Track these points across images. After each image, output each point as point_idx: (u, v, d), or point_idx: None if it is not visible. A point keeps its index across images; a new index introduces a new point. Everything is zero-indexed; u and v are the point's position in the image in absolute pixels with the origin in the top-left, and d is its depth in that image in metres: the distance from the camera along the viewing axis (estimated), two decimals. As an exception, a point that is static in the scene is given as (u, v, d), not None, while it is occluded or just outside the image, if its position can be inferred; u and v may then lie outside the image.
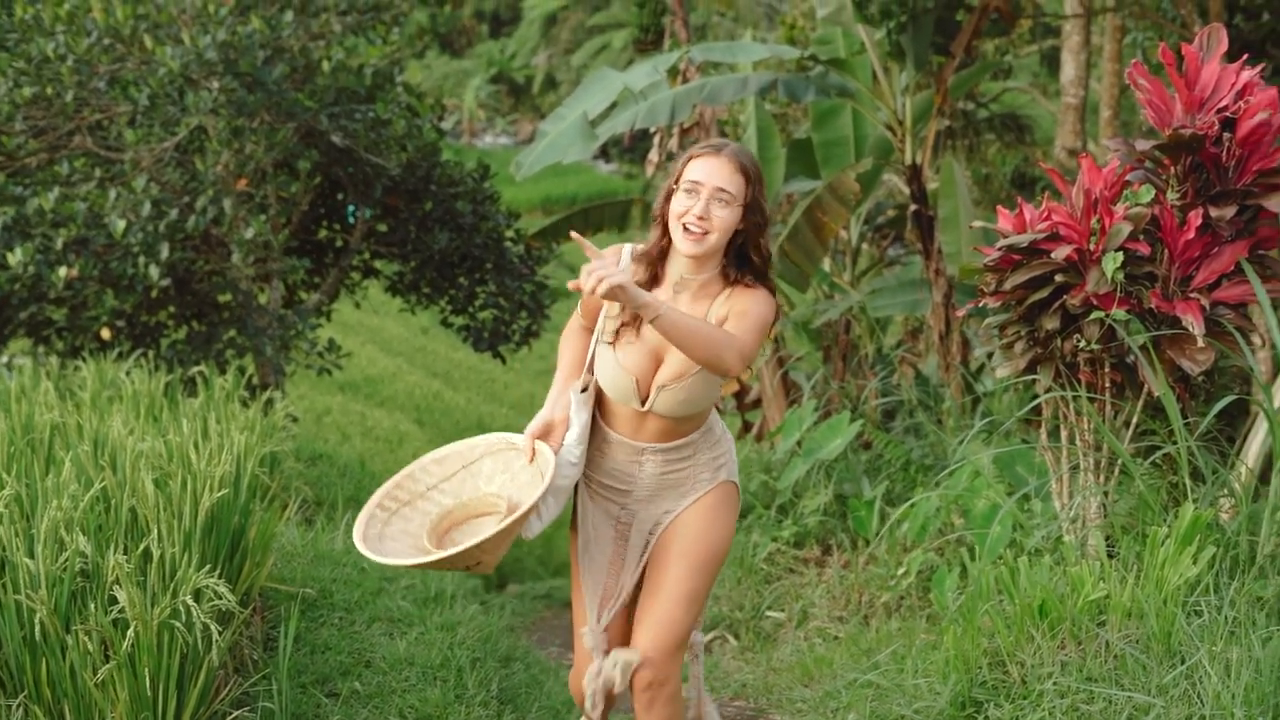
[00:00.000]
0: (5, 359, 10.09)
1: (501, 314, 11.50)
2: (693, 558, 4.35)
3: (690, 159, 4.19)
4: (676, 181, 4.18)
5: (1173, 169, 5.29)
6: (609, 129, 9.92)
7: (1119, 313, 5.06)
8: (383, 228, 11.28)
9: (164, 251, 9.01)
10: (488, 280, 11.44)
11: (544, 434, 4.33)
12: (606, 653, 4.35)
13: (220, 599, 4.52)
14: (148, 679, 4.33)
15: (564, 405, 4.35)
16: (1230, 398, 5.26)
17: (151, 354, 9.46)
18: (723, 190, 4.11)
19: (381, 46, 10.63)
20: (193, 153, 9.69)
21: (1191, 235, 5.10)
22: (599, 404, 4.40)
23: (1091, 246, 5.14)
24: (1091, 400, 5.28)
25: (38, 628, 4.28)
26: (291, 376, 11.04)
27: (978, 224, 5.99)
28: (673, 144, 11.48)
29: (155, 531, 4.63)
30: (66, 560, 4.41)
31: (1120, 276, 5.06)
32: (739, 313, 4.15)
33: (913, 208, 9.96)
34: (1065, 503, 5.52)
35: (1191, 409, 5.32)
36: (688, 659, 4.66)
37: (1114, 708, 4.32)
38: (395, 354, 25.28)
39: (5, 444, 5.49)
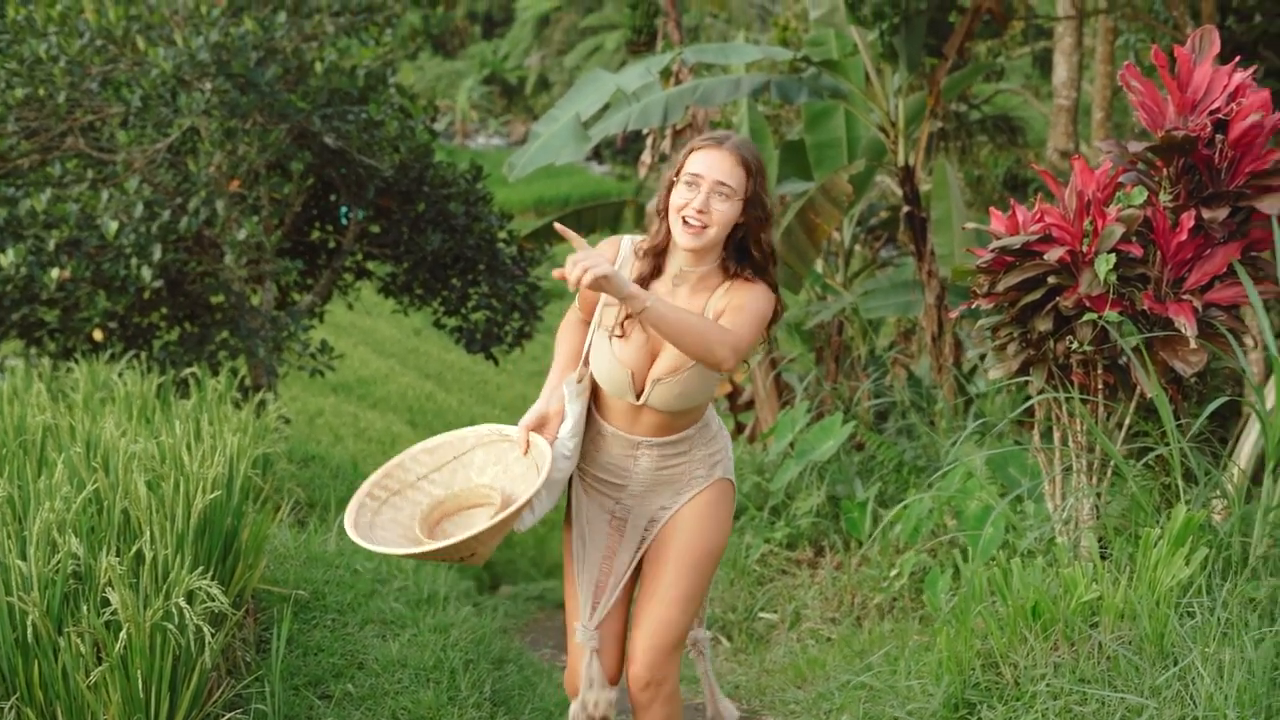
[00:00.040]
0: (-3, 360, 10.08)
1: (494, 315, 11.49)
2: (689, 560, 4.34)
3: (691, 151, 4.16)
4: (677, 173, 4.15)
5: (1165, 171, 5.29)
6: (602, 130, 9.92)
7: (1112, 314, 5.06)
8: (375, 229, 11.26)
9: (156, 253, 8.99)
10: (480, 281, 11.43)
11: (538, 426, 4.29)
12: (598, 651, 4.34)
13: (213, 601, 4.51)
14: (140, 681, 4.33)
15: (559, 398, 4.32)
16: (1222, 399, 5.26)
17: (144, 355, 9.44)
18: (723, 184, 4.08)
19: (374, 48, 10.61)
20: (185, 154, 9.68)
21: (1184, 237, 5.11)
22: (594, 397, 4.37)
23: (1084, 248, 5.15)
24: (1084, 402, 5.29)
25: (30, 630, 4.28)
26: (284, 378, 11.03)
27: (970, 226, 6.00)
28: (665, 145, 11.49)
29: (148, 533, 4.63)
30: (59, 562, 4.40)
31: (1113, 278, 5.07)
32: (735, 307, 4.12)
33: (905, 209, 9.98)
34: (1058, 504, 5.52)
35: (1184, 410, 5.33)
36: (692, 656, 4.66)
37: (1107, 709, 4.32)
38: (388, 355, 25.26)
39: (-3, 446, 5.49)
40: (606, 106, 10.13)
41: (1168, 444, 5.03)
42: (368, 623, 6.00)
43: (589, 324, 4.36)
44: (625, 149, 34.84)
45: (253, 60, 9.48)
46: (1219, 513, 5.24)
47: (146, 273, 8.90)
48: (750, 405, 12.17)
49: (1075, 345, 5.16)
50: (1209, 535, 4.82)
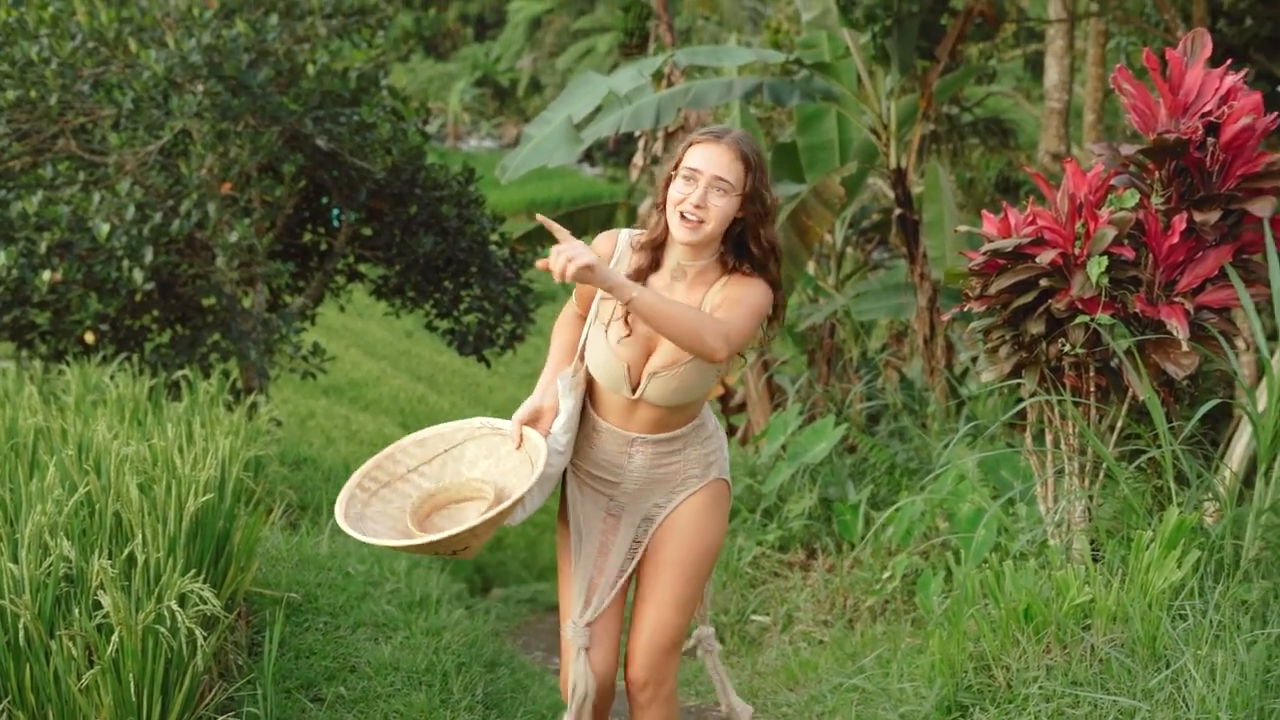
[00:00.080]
0: (-12, 363, 10.07)
1: (486, 318, 11.49)
2: (686, 562, 4.32)
3: (691, 145, 4.12)
4: (675, 167, 4.11)
5: (1157, 173, 5.30)
6: (594, 133, 9.92)
7: (1104, 317, 5.07)
8: (367, 231, 11.27)
9: (148, 255, 8.98)
10: (472, 284, 11.43)
11: (532, 420, 4.26)
12: (588, 649, 4.32)
13: (205, 604, 4.51)
14: (132, 684, 4.32)
15: (554, 392, 4.29)
16: (1214, 401, 5.27)
17: (135, 358, 9.43)
18: (721, 179, 4.04)
19: (366, 50, 10.61)
20: (177, 156, 9.67)
21: (1176, 239, 5.11)
22: (590, 392, 4.34)
23: (1076, 251, 5.15)
24: (1076, 404, 5.29)
25: (21, 633, 4.27)
26: (275, 380, 11.03)
27: (963, 228, 6.00)
28: (658, 148, 11.49)
29: (140, 536, 4.62)
30: (50, 565, 4.40)
31: (1105, 281, 5.07)
32: (731, 300, 4.09)
33: (897, 212, 9.98)
34: (1050, 506, 5.53)
35: (1176, 413, 5.34)
36: (700, 654, 4.65)
37: (1099, 712, 4.32)
38: (379, 358, 25.24)
39: (-11, 448, 5.49)
40: (599, 109, 10.13)
41: (1160, 446, 5.04)
42: (360, 625, 6.00)
43: (585, 319, 4.33)
44: (617, 151, 34.85)
45: (245, 62, 9.48)
46: (1211, 515, 5.24)
47: (138, 275, 8.90)
48: (742, 407, 12.19)
49: (1067, 348, 5.16)
50: (1201, 538, 4.83)
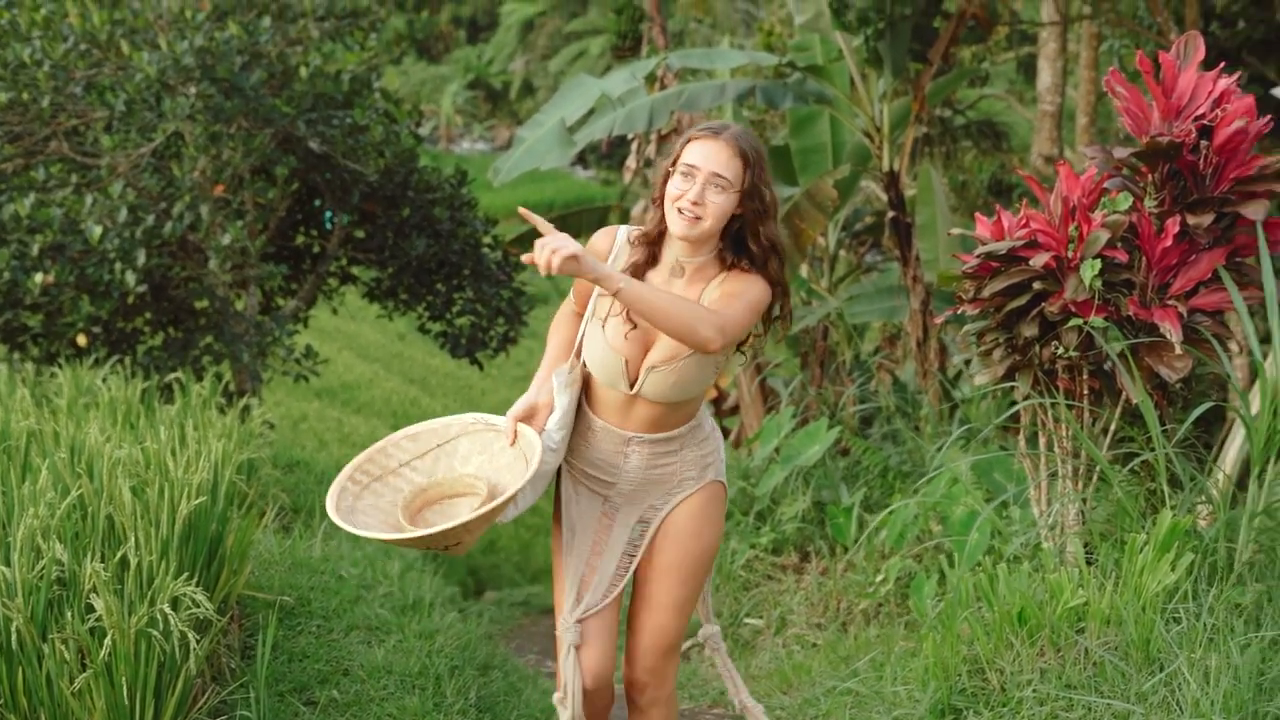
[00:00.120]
0: (-20, 365, 10.05)
1: (479, 320, 11.48)
2: (684, 567, 4.32)
3: (689, 141, 4.09)
4: (674, 163, 4.09)
5: (1150, 176, 5.30)
6: (587, 135, 9.92)
7: (1097, 320, 5.07)
8: (360, 234, 11.25)
9: (140, 258, 8.97)
10: (465, 286, 11.41)
11: (527, 416, 4.24)
12: (579, 647, 4.29)
13: (198, 607, 4.50)
14: (125, 688, 4.31)
15: (549, 389, 4.27)
16: (1208, 404, 5.27)
17: (128, 360, 9.42)
18: (719, 176, 4.01)
19: (359, 52, 10.60)
20: (169, 158, 9.66)
21: (1169, 243, 5.11)
22: (586, 391, 4.32)
23: (1070, 254, 5.15)
24: (1070, 407, 5.29)
25: (14, 636, 4.26)
26: (268, 383, 11.01)
27: (956, 231, 6.00)
28: (650, 150, 11.48)
29: (132, 539, 4.61)
30: (43, 568, 4.39)
31: (1098, 284, 5.07)
32: (729, 293, 4.07)
33: (890, 214, 9.99)
34: (1044, 510, 5.53)
35: (1169, 416, 5.34)
36: (708, 652, 4.64)
37: (1093, 715, 4.32)
38: (372, 360, 25.23)
39: (-19, 451, 5.48)
40: (591, 111, 10.13)
41: (1153, 449, 5.04)
42: (353, 629, 5.99)
43: (583, 316, 4.31)
44: (610, 154, 34.82)
45: (237, 65, 9.47)
46: (1204, 518, 5.25)
47: (130, 277, 8.88)
48: (735, 410, 12.18)
49: (1061, 351, 5.16)
50: (1194, 541, 4.83)
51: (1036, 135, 14.49)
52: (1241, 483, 5.61)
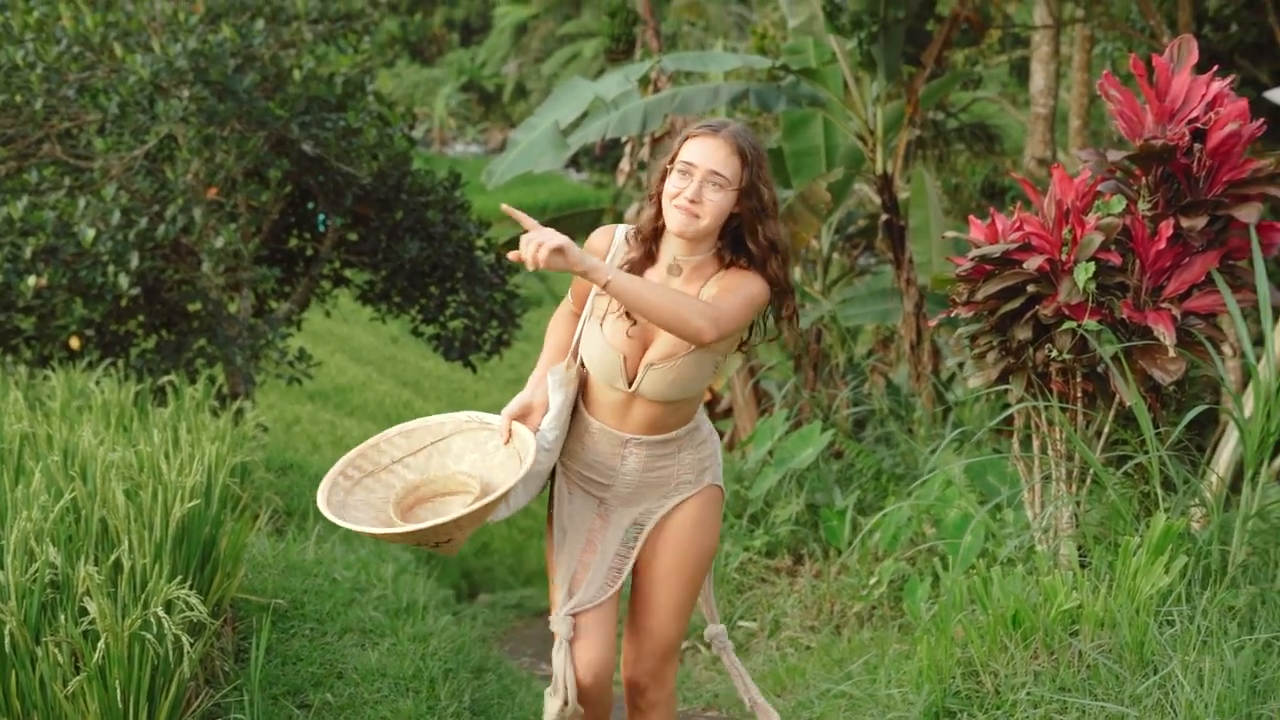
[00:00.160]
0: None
1: (472, 323, 11.47)
2: (683, 571, 4.31)
3: (687, 138, 4.07)
4: (672, 160, 4.07)
5: (1144, 179, 5.31)
6: (580, 138, 9.93)
7: (1091, 323, 5.07)
8: (353, 237, 11.24)
9: (133, 260, 8.96)
10: (458, 289, 11.41)
11: (522, 415, 4.22)
12: (572, 641, 4.25)
13: (191, 610, 4.50)
14: (118, 691, 4.31)
15: (544, 389, 4.25)
16: (1201, 407, 5.27)
17: (121, 363, 9.41)
18: (716, 174, 3.99)
19: (352, 55, 10.59)
20: (163, 161, 9.65)
21: (1163, 245, 5.12)
22: (583, 392, 4.29)
23: (1063, 257, 5.16)
24: (1063, 410, 5.29)
25: (7, 639, 4.25)
26: (261, 385, 11.00)
27: (950, 234, 6.00)
28: (644, 153, 11.49)
29: (126, 542, 4.61)
30: (36, 571, 4.38)
31: (1092, 287, 5.08)
32: (725, 288, 4.05)
33: (884, 217, 10.00)
34: (1037, 512, 5.53)
35: (1163, 419, 5.34)
36: (715, 651, 4.63)
37: (1087, 718, 4.33)
38: (365, 363, 25.20)
39: (-26, 454, 5.47)
40: (585, 114, 10.13)
41: (1146, 452, 5.04)
42: (347, 632, 5.99)
43: (580, 316, 4.28)
44: (603, 157, 34.83)
45: (231, 67, 9.46)
46: (1198, 521, 5.25)
47: (124, 280, 8.87)
48: (728, 413, 12.19)
49: (1054, 353, 5.17)
50: (1188, 543, 4.83)
51: (1029, 138, 14.50)
52: (1235, 485, 5.61)
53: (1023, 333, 5.24)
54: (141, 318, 10.18)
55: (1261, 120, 5.21)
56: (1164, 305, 5.13)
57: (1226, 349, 5.43)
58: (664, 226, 4.12)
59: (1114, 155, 5.34)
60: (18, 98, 9.44)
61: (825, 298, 12.42)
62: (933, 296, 10.01)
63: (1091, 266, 5.07)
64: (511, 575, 14.91)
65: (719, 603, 7.80)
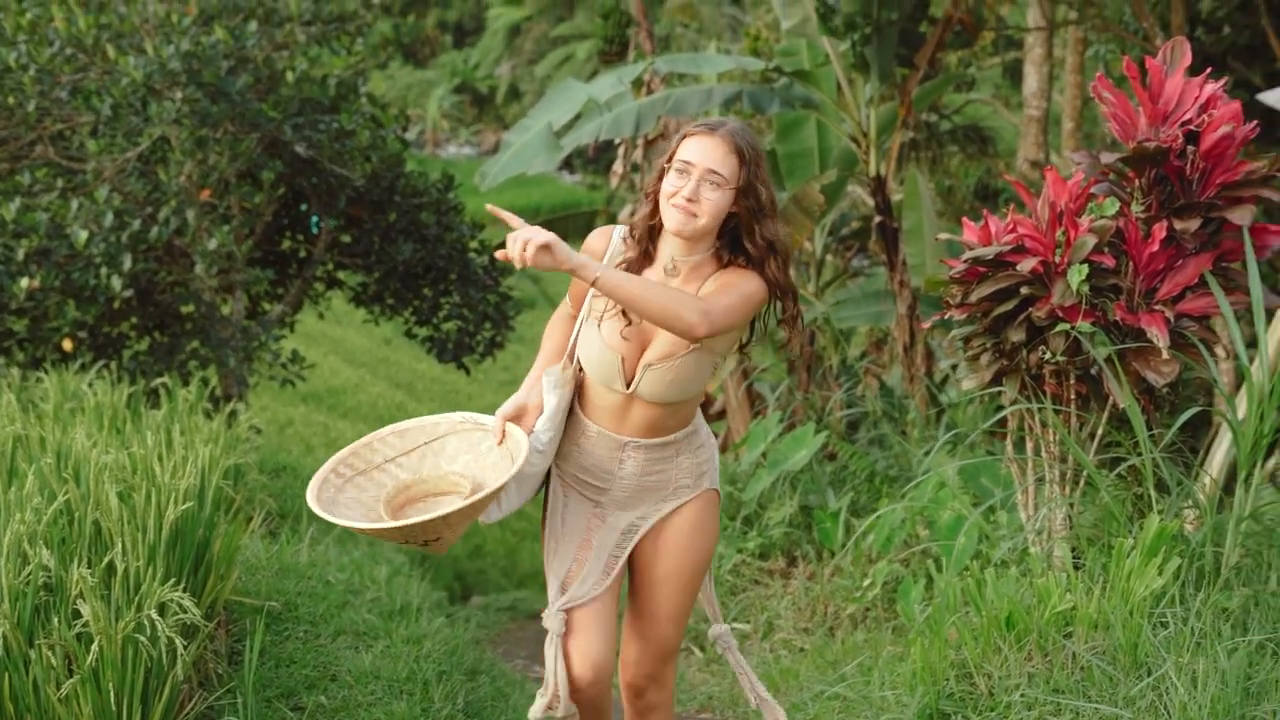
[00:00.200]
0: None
1: (465, 325, 11.48)
2: (682, 576, 4.30)
3: (685, 137, 4.05)
4: (669, 160, 4.04)
5: (1137, 182, 5.31)
6: (574, 140, 9.92)
7: (1084, 325, 5.07)
8: (346, 239, 11.25)
9: (126, 262, 8.95)
10: (452, 291, 11.41)
11: (516, 416, 4.20)
12: (570, 636, 4.21)
13: (185, 613, 4.49)
14: (112, 693, 4.30)
15: (539, 390, 4.23)
16: (1194, 409, 5.27)
17: (114, 365, 9.40)
18: (714, 172, 3.97)
19: (345, 57, 10.60)
20: (155, 163, 9.65)
21: (1156, 248, 5.12)
22: (579, 395, 4.27)
23: (1057, 259, 5.16)
24: (1057, 412, 5.30)
25: (0, 642, 4.25)
26: (254, 387, 11.00)
27: (943, 236, 6.00)
28: (637, 155, 11.49)
29: (119, 545, 4.60)
30: (29, 574, 4.38)
31: (1085, 289, 5.08)
32: (720, 285, 4.03)
33: (877, 219, 9.99)
34: (1031, 514, 5.53)
35: (1156, 421, 5.35)
36: (720, 651, 4.62)
37: (1081, 719, 4.33)
38: (358, 365, 25.20)
39: (-33, 457, 5.46)
40: (578, 116, 10.13)
41: (1140, 454, 5.05)
42: (340, 634, 5.98)
43: (578, 319, 4.26)
44: (597, 159, 34.83)
45: (224, 69, 9.46)
46: (1191, 523, 5.25)
47: (116, 282, 8.87)
48: (722, 415, 12.19)
49: (1048, 356, 5.17)
50: (1181, 545, 4.84)
51: (1022, 140, 14.50)
52: (1228, 487, 5.62)
53: (1016, 335, 5.24)
54: (134, 320, 10.18)
55: (1254, 122, 5.21)
56: (1157, 307, 5.14)
57: (1220, 351, 5.43)
58: (660, 225, 4.09)
59: (1107, 157, 5.34)
60: (10, 99, 9.44)
61: (819, 300, 12.43)
62: (926, 298, 10.01)
63: (1085, 269, 5.07)
64: (505, 577, 14.91)
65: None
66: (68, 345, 9.39)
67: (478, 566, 15.03)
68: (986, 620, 4.78)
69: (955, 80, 15.50)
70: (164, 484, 5.02)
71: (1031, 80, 14.09)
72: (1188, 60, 5.31)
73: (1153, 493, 4.98)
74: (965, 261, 5.35)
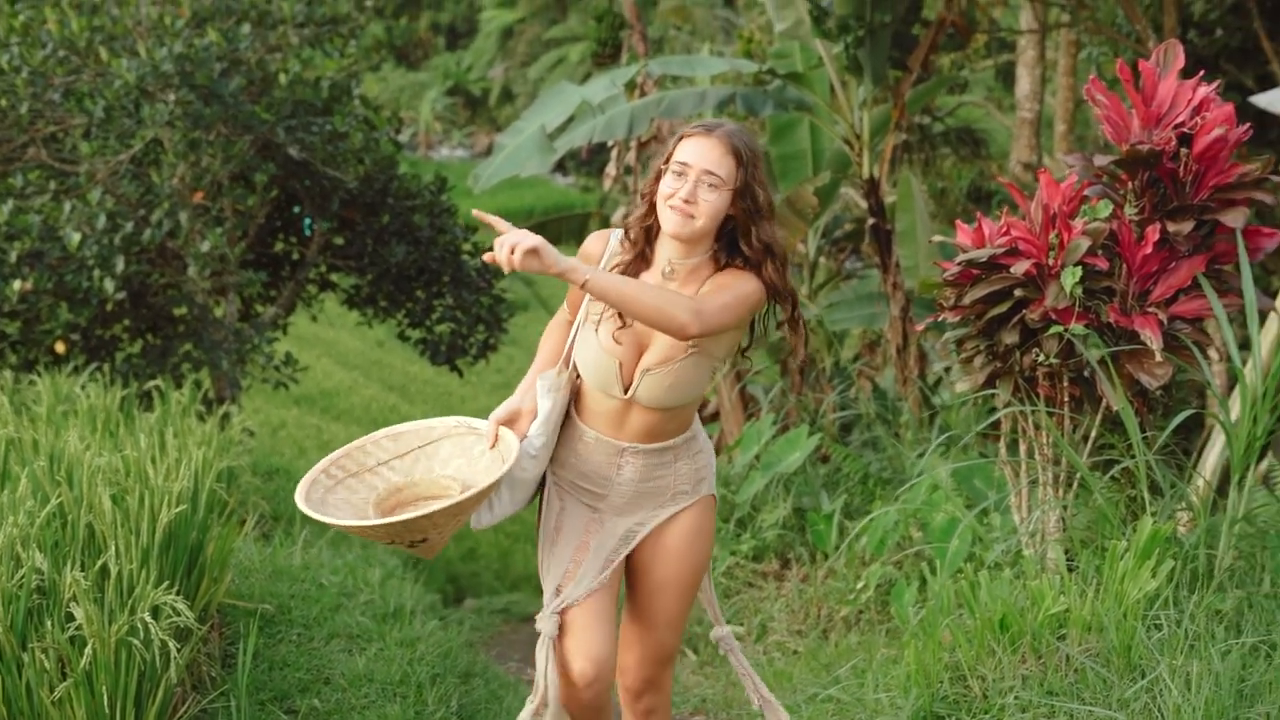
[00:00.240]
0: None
1: (459, 327, 11.47)
2: (680, 582, 4.29)
3: (681, 138, 4.02)
4: (666, 161, 4.01)
5: (1130, 184, 5.32)
6: (567, 142, 9.93)
7: (1077, 327, 5.08)
8: (339, 241, 11.24)
9: (119, 264, 8.94)
10: (445, 293, 11.40)
11: (510, 421, 4.17)
12: (564, 636, 4.16)
13: (178, 616, 4.49)
14: (105, 697, 4.30)
15: (534, 395, 4.19)
16: (1188, 411, 5.28)
17: (107, 368, 9.39)
18: (711, 173, 3.94)
19: (338, 59, 10.59)
20: (148, 165, 9.64)
21: (1149, 250, 5.13)
22: (576, 401, 4.24)
23: (1050, 261, 5.16)
24: (1050, 414, 5.30)
25: (-7, 646, 4.25)
26: (247, 390, 10.98)
27: (936, 238, 6.00)
28: (630, 157, 11.50)
29: (113, 548, 4.60)
30: (23, 577, 4.37)
31: (1079, 291, 5.08)
32: (715, 285, 4.00)
33: (870, 221, 10.01)
34: (1024, 516, 5.54)
35: (1149, 423, 5.35)
36: (723, 652, 4.60)
37: (1075, 721, 4.33)
38: (351, 367, 25.19)
39: (-41, 460, 5.46)
40: (571, 118, 10.13)
41: (1133, 456, 5.05)
42: (334, 637, 5.98)
43: (575, 323, 4.23)
44: (590, 161, 34.82)
45: (216, 71, 9.45)
46: (1184, 525, 5.26)
47: (109, 285, 8.86)
48: (715, 417, 12.18)
49: (1041, 358, 5.17)
50: (1175, 547, 4.84)
51: (1015, 142, 14.53)
52: (1221, 489, 5.63)
53: (1009, 337, 5.24)
54: (127, 322, 10.17)
55: (1247, 125, 5.22)
56: (1150, 310, 5.14)
57: (1213, 353, 5.45)
58: (657, 228, 4.06)
59: (1100, 160, 5.35)
60: (3, 102, 9.43)
61: (812, 302, 12.43)
62: (919, 301, 10.02)
63: (1078, 271, 5.07)
64: (498, 580, 14.90)
65: (705, 607, 7.79)
66: (60, 348, 9.38)
67: (471, 569, 15.03)
68: (980, 623, 4.78)
69: (948, 83, 15.55)
70: (157, 487, 5.02)
71: (1024, 83, 14.11)
72: (1180, 63, 5.32)
73: (1146, 495, 4.98)
74: (959, 264, 5.35)
